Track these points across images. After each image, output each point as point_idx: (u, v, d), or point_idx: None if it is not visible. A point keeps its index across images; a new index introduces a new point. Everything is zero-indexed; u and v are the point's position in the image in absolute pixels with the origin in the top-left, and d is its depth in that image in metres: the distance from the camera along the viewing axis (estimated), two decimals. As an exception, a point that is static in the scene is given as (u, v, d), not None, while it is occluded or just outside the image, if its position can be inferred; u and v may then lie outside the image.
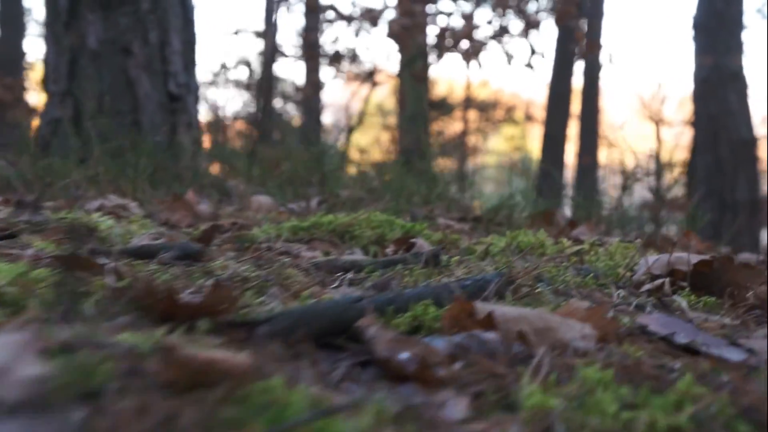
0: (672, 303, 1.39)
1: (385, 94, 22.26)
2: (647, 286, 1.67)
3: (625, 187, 2.93)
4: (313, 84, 10.82)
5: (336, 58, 8.91)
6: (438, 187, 3.32)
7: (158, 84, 3.73)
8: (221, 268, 1.37)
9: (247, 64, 10.55)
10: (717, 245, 4.22)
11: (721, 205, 10.62)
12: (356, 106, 11.32)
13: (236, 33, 9.39)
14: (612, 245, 2.11)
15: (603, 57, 12.69)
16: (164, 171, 3.46)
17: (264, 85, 5.99)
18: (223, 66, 12.52)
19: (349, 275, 1.52)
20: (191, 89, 3.88)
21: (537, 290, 1.47)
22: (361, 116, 10.33)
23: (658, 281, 1.67)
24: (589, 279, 1.71)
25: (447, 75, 26.24)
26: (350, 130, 9.91)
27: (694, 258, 1.75)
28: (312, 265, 1.56)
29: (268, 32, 11.81)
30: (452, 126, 22.33)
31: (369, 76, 9.01)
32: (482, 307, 1.12)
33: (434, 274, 1.58)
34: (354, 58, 8.89)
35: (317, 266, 1.54)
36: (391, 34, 7.61)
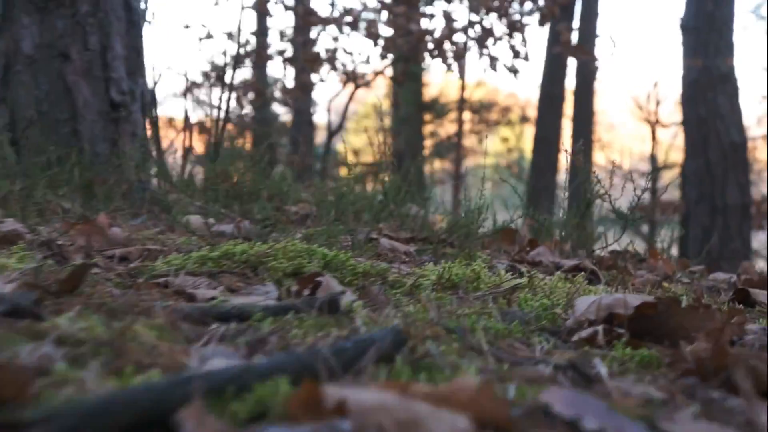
0: (591, 368, 1.17)
1: (382, 95, 22.03)
2: (579, 335, 1.46)
3: (588, 205, 2.70)
4: (303, 85, 10.58)
5: (314, 60, 8.68)
6: (391, 202, 3.10)
7: (99, 91, 3.51)
8: (53, 328, 1.15)
9: (223, 67, 10.32)
10: (693, 260, 4.00)
11: (712, 209, 10.40)
12: (341, 108, 11.10)
13: (208, 36, 9.14)
14: (554, 279, 1.89)
15: (594, 59, 12.47)
16: (102, 185, 3.23)
17: (226, 87, 5.79)
18: (214, 68, 12.26)
19: (224, 328, 1.30)
20: (137, 97, 3.65)
21: (442, 348, 1.25)
22: (343, 119, 10.10)
23: (592, 329, 1.46)
24: (515, 326, 1.49)
25: (443, 76, 25.98)
26: (331, 134, 9.68)
27: (636, 300, 1.53)
28: (183, 315, 1.34)
29: (259, 34, 11.59)
30: (447, 127, 22.11)
31: (350, 78, 8.80)
32: (333, 393, 0.91)
33: (329, 325, 1.36)
34: (332, 60, 8.67)
35: (186, 316, 1.32)
36: (370, 36, 7.40)
